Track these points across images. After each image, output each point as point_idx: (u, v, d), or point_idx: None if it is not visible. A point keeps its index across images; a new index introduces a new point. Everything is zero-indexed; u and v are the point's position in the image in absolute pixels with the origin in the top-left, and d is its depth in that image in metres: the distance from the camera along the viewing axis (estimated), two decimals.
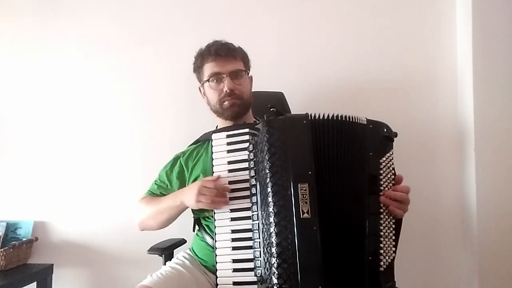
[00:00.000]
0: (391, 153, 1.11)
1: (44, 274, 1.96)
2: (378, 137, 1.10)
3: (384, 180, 1.08)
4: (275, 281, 0.98)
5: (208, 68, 1.31)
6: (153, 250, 1.47)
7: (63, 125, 2.09)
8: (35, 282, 1.95)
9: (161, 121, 2.00)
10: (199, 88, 1.40)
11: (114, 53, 2.05)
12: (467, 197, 1.70)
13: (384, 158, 1.09)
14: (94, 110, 2.07)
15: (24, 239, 1.99)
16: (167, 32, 2.00)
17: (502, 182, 1.61)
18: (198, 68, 1.36)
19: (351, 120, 1.10)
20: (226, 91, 1.28)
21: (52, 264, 2.01)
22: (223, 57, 1.30)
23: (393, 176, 1.10)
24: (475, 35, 1.63)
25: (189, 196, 1.16)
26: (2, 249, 1.88)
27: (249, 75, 1.38)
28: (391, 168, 1.10)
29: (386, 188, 1.08)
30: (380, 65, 1.82)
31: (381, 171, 1.08)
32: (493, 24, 1.63)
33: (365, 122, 1.11)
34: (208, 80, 1.31)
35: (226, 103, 1.29)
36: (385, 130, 1.12)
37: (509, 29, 1.62)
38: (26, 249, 1.99)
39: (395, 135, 1.15)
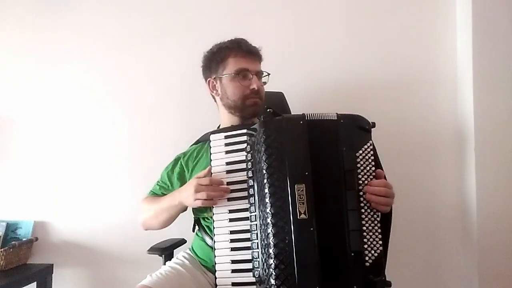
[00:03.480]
0: (369, 144, 1.08)
1: (44, 274, 1.96)
2: (352, 130, 1.08)
3: (362, 173, 1.06)
4: (272, 282, 0.98)
5: (236, 63, 1.30)
6: (153, 250, 1.47)
7: (63, 126, 2.09)
8: (35, 282, 1.94)
9: (161, 121, 2.00)
10: (210, 80, 1.36)
11: (114, 53, 2.05)
12: (467, 197, 1.70)
13: (361, 151, 1.07)
14: (93, 111, 2.06)
15: (24, 239, 1.98)
16: (167, 32, 2.00)
17: (502, 182, 1.61)
18: (218, 60, 1.33)
19: (322, 117, 1.09)
20: (253, 88, 1.28)
21: (52, 264, 2.00)
22: (253, 55, 1.32)
23: (373, 168, 1.07)
24: (475, 35, 1.63)
25: (186, 195, 1.16)
26: (2, 249, 1.87)
27: None
28: (370, 161, 1.07)
29: (366, 182, 1.06)
30: (380, 65, 1.83)
31: (358, 165, 1.06)
32: (493, 24, 1.63)
33: (336, 118, 1.09)
34: (236, 74, 1.29)
35: (250, 100, 1.30)
36: (359, 122, 1.10)
37: (509, 29, 1.62)
38: (26, 249, 1.99)
39: (373, 125, 1.12)
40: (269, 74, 1.39)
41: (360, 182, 1.05)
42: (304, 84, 1.87)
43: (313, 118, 1.08)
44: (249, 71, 1.30)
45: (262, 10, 1.93)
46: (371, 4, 1.85)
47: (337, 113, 1.10)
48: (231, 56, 1.31)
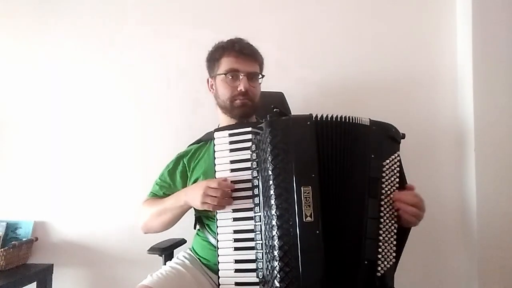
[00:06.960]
0: (396, 155, 1.08)
1: (44, 274, 1.96)
2: (382, 138, 1.08)
3: (386, 183, 1.05)
4: (277, 284, 0.97)
5: (227, 63, 1.30)
6: (153, 250, 1.47)
7: (63, 126, 2.08)
8: (35, 282, 1.94)
9: (161, 122, 2.00)
10: (208, 79, 1.38)
11: (114, 53, 2.05)
12: (467, 197, 1.70)
13: (388, 161, 1.06)
14: (93, 111, 2.06)
15: (24, 239, 1.98)
16: (167, 32, 2.00)
17: (502, 182, 1.61)
18: (214, 60, 1.34)
19: (353, 121, 1.08)
20: (240, 90, 1.27)
21: (52, 264, 2.00)
22: (245, 56, 1.30)
23: (397, 180, 1.07)
24: (475, 35, 1.63)
25: (193, 196, 1.15)
26: (2, 249, 1.87)
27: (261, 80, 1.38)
28: (395, 171, 1.06)
29: (388, 192, 1.05)
30: (380, 65, 1.83)
31: (384, 174, 1.05)
32: (493, 24, 1.63)
33: (368, 123, 1.09)
34: (224, 74, 1.30)
35: (237, 101, 1.29)
36: (390, 131, 1.10)
37: (509, 29, 1.62)
38: (26, 249, 1.99)
39: (403, 136, 1.12)
40: (263, 76, 1.37)
41: (383, 191, 1.05)
42: (304, 84, 1.87)
43: (340, 120, 1.07)
44: (239, 72, 1.29)
45: (263, 10, 1.93)
46: (371, 5, 1.85)
47: (370, 119, 1.09)
48: (224, 56, 1.31)
